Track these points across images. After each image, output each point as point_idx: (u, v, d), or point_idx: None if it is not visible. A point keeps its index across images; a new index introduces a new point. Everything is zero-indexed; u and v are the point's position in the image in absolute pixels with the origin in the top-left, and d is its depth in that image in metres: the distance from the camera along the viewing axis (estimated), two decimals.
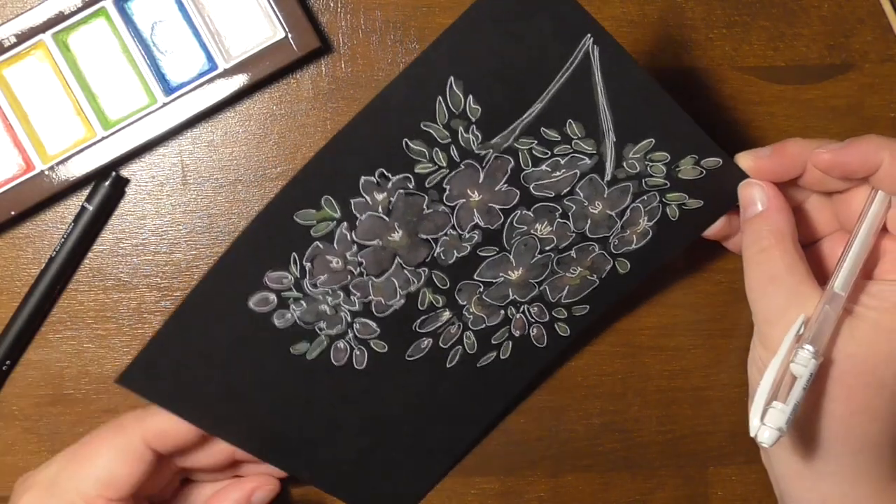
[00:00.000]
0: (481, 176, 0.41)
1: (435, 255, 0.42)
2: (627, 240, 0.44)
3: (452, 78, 0.39)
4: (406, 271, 0.41)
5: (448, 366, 0.44)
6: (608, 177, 0.42)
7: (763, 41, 0.49)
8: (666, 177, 0.43)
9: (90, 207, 0.46)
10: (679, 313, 0.49)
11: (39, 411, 0.47)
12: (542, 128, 0.41)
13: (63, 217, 0.48)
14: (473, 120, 0.40)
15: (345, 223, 0.40)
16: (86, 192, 0.47)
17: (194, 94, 0.46)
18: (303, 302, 0.41)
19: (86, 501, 0.39)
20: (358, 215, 0.40)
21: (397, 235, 0.41)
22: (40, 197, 0.46)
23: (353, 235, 0.40)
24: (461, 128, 0.40)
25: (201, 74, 0.46)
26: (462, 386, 0.45)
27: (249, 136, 0.48)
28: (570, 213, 0.43)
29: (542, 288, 0.44)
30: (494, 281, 0.43)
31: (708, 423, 0.49)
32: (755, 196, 0.42)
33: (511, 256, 0.43)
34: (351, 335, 0.42)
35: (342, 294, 0.41)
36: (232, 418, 0.42)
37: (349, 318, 0.42)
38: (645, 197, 0.43)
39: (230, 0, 0.46)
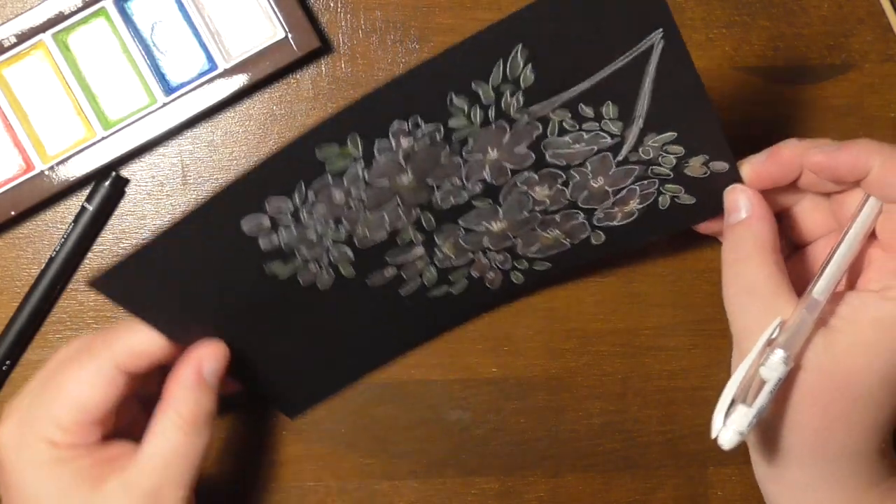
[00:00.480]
0: (507, 137, 0.41)
1: (432, 199, 0.42)
2: (612, 215, 0.44)
3: (520, 46, 0.38)
4: (400, 209, 0.41)
5: (402, 293, 0.44)
6: (620, 157, 0.42)
7: (763, 41, 0.49)
8: (673, 168, 0.42)
9: (90, 207, 0.46)
10: (679, 313, 0.49)
11: None
12: (581, 103, 0.40)
13: (63, 217, 0.48)
14: (523, 87, 0.39)
15: (361, 162, 0.39)
16: (86, 192, 0.47)
17: (194, 94, 0.46)
18: (293, 229, 0.40)
19: (62, 429, 0.38)
20: (377, 156, 0.39)
21: (406, 179, 0.40)
22: (40, 197, 0.46)
23: (366, 175, 0.40)
24: (508, 92, 0.39)
25: (201, 74, 0.46)
26: (407, 310, 0.45)
27: (249, 136, 0.48)
28: (571, 182, 0.43)
29: (515, 240, 0.44)
30: (475, 229, 0.43)
31: (708, 423, 0.49)
32: (740, 202, 0.41)
33: (501, 210, 0.43)
34: (325, 260, 0.42)
35: (332, 224, 0.41)
36: (196, 329, 0.41)
37: (329, 244, 0.41)
38: (645, 182, 0.43)
39: (230, 0, 0.46)
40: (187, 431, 0.39)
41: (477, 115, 0.40)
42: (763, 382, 0.37)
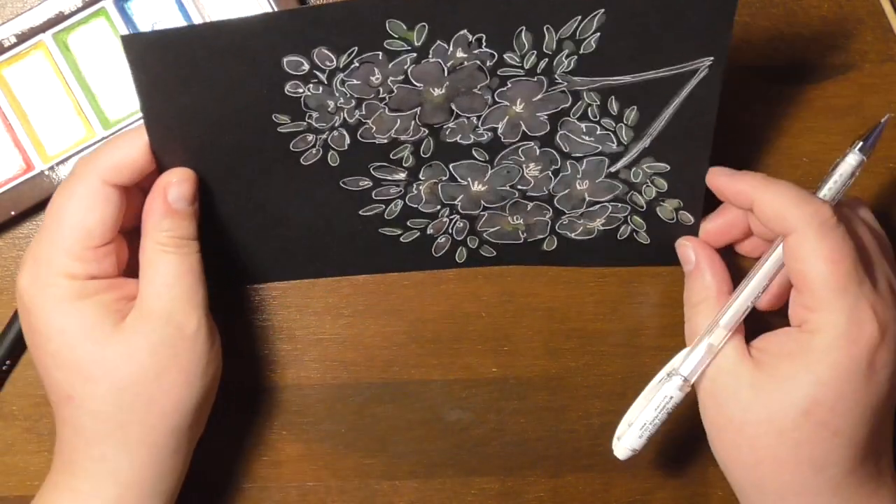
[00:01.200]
0: (539, 95, 0.41)
1: (444, 126, 0.42)
2: (574, 226, 0.45)
3: (602, 11, 0.39)
4: (413, 122, 0.41)
5: (360, 213, 0.45)
6: (613, 169, 0.43)
7: (763, 41, 0.49)
8: (649, 203, 0.44)
9: None
10: (679, 313, 0.49)
11: (39, 411, 0.47)
12: (613, 96, 0.41)
13: None
14: (580, 53, 0.40)
15: (413, 55, 0.39)
16: None
17: None
18: (320, 88, 0.40)
19: (74, 257, 0.39)
20: (429, 58, 0.40)
21: (437, 92, 0.41)
22: (40, 197, 0.46)
23: (410, 70, 0.40)
24: (566, 51, 0.40)
25: None
26: (354, 231, 0.45)
27: None
28: (561, 173, 0.43)
29: (480, 213, 0.45)
30: (458, 181, 0.44)
31: None
32: (688, 255, 0.45)
33: (489, 172, 0.43)
34: (324, 137, 0.42)
35: (353, 103, 0.41)
36: (177, 151, 0.41)
37: (337, 122, 0.41)
38: (619, 205, 0.44)
39: (230, 0, 0.46)
40: (172, 252, 0.40)
41: (531, 61, 0.40)
42: (664, 401, 0.42)
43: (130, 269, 0.41)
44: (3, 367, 0.47)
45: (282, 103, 0.40)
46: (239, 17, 0.39)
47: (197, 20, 0.46)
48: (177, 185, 0.41)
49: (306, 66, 0.39)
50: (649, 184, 0.44)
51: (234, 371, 0.45)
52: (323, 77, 0.40)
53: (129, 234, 0.41)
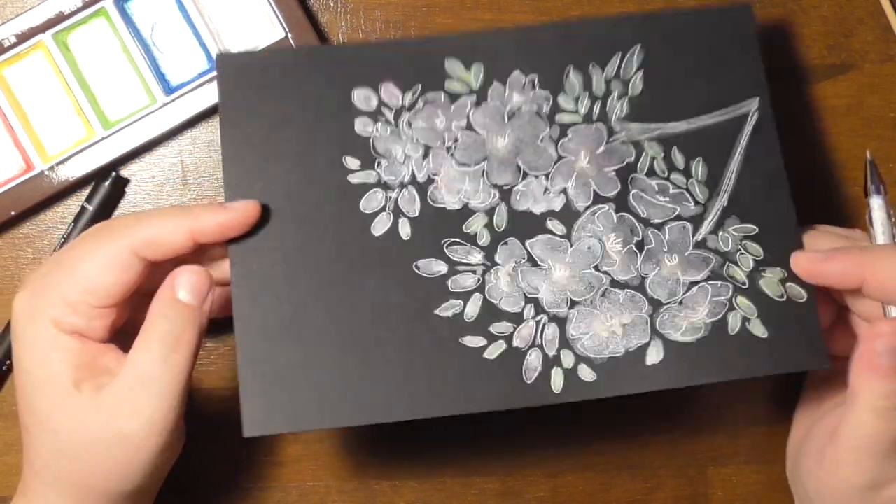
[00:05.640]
0: (602, 147, 0.42)
1: (514, 188, 0.41)
2: (677, 323, 0.41)
3: (639, 47, 0.42)
4: (482, 182, 0.41)
5: (436, 312, 0.40)
6: (700, 236, 0.42)
7: (764, 41, 0.49)
8: (748, 275, 0.41)
9: (90, 207, 0.46)
10: None
11: None
12: (675, 147, 0.42)
13: (63, 217, 0.48)
14: (630, 94, 0.42)
15: (473, 97, 0.41)
16: (86, 192, 0.47)
17: (194, 94, 0.46)
18: (388, 129, 0.41)
19: (69, 307, 0.38)
20: (488, 101, 0.41)
21: (502, 143, 0.41)
22: (40, 197, 0.46)
23: (471, 113, 0.41)
24: (616, 92, 0.42)
25: (201, 74, 0.46)
26: (435, 348, 0.40)
27: None
28: (645, 246, 0.41)
29: (570, 311, 0.41)
30: (539, 264, 0.41)
31: (708, 423, 0.49)
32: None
33: (570, 249, 0.41)
34: (395, 195, 0.41)
35: (421, 151, 0.41)
36: (245, 186, 0.40)
37: (406, 177, 0.41)
38: (718, 284, 0.41)
39: (230, 0, 0.46)
40: (160, 351, 0.38)
41: (585, 103, 0.41)
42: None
43: (129, 331, 0.40)
44: (3, 368, 0.47)
45: (352, 143, 0.41)
46: (310, 46, 0.42)
47: (197, 20, 0.46)
48: (187, 275, 0.39)
49: (375, 102, 0.41)
50: (743, 251, 0.41)
51: (234, 371, 0.45)
52: (390, 116, 0.41)
53: (136, 302, 0.40)
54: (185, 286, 0.39)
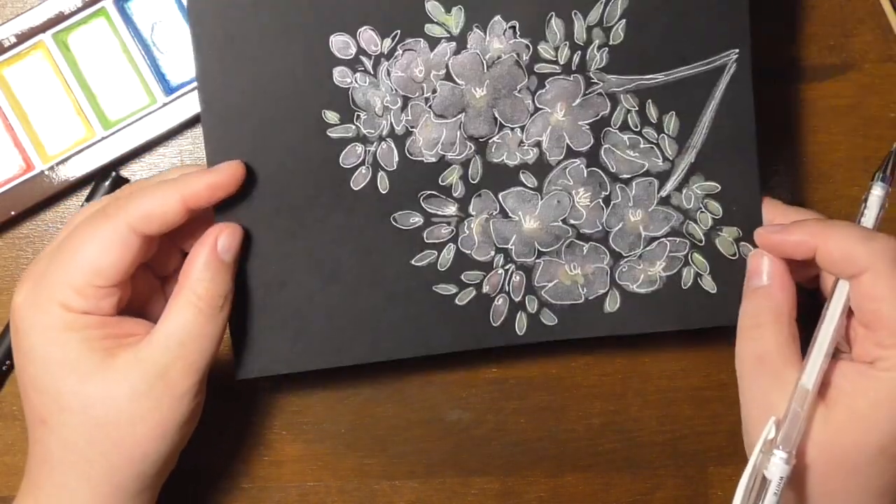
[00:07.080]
0: (578, 99, 0.42)
1: (490, 140, 0.42)
2: (635, 274, 0.43)
3: None
4: (459, 133, 0.41)
5: (412, 262, 0.42)
6: (664, 192, 0.42)
7: (763, 41, 0.49)
8: (706, 233, 0.43)
9: None
10: None
11: None
12: (650, 100, 0.42)
13: (63, 217, 0.48)
14: (609, 43, 0.41)
15: (453, 44, 0.41)
16: (86, 192, 0.47)
17: (194, 94, 0.46)
18: (367, 79, 0.41)
19: (76, 291, 0.38)
20: (468, 47, 0.41)
21: (480, 93, 0.41)
22: (40, 197, 0.46)
23: (450, 61, 0.41)
24: (597, 41, 0.41)
25: None
26: (410, 295, 0.42)
27: None
28: (612, 201, 0.42)
29: (536, 261, 0.43)
30: (510, 215, 0.42)
31: (708, 423, 0.49)
32: (762, 268, 0.41)
33: (540, 202, 0.42)
34: (373, 149, 0.41)
35: (399, 103, 0.41)
36: (233, 143, 0.41)
37: (385, 129, 0.41)
38: (677, 240, 0.43)
39: None
40: (202, 310, 0.39)
41: (564, 53, 0.41)
42: (766, 481, 0.39)
43: (129, 308, 0.41)
44: (3, 368, 0.47)
45: (331, 95, 0.41)
46: None
47: None
48: (228, 236, 0.40)
49: (353, 49, 0.40)
50: (703, 209, 0.43)
51: (232, 371, 0.45)
52: (369, 65, 0.41)
53: (134, 276, 0.41)
54: (226, 246, 0.40)
